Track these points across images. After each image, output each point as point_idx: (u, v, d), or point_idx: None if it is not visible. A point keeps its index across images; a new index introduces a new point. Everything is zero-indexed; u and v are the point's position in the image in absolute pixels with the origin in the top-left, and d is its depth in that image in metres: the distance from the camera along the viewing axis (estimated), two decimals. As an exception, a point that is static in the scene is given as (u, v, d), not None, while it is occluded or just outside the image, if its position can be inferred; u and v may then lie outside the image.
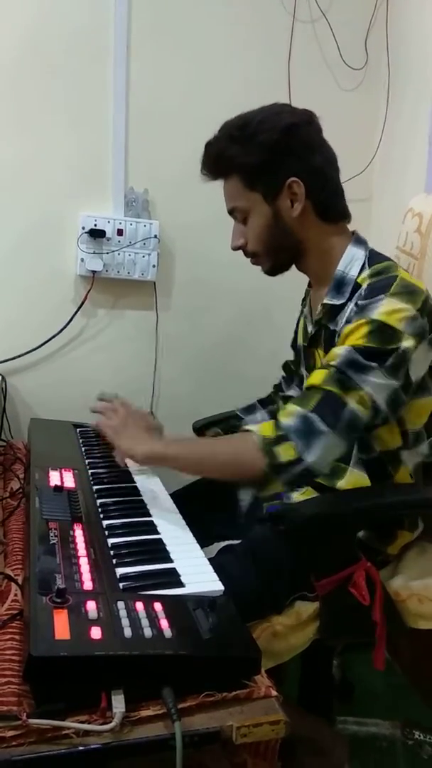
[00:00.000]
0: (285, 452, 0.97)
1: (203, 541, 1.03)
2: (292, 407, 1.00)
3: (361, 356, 0.98)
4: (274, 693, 0.72)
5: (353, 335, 1.01)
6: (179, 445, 1.12)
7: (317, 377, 1.01)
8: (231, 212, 1.14)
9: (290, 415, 0.99)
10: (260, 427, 1.01)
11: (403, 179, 1.79)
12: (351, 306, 1.07)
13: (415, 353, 1.00)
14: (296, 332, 1.34)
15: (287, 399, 1.38)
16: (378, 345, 0.98)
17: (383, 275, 1.04)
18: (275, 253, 1.13)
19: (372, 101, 1.87)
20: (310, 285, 1.28)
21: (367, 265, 1.08)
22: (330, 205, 1.12)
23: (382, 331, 0.99)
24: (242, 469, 1.01)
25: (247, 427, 1.05)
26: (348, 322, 1.05)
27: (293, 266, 1.18)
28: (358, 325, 1.01)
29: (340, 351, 1.01)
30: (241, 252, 1.17)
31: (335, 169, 1.12)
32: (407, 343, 0.99)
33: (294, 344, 1.35)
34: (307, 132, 1.09)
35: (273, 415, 1.38)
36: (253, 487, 1.01)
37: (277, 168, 1.07)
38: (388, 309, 0.99)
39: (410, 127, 1.77)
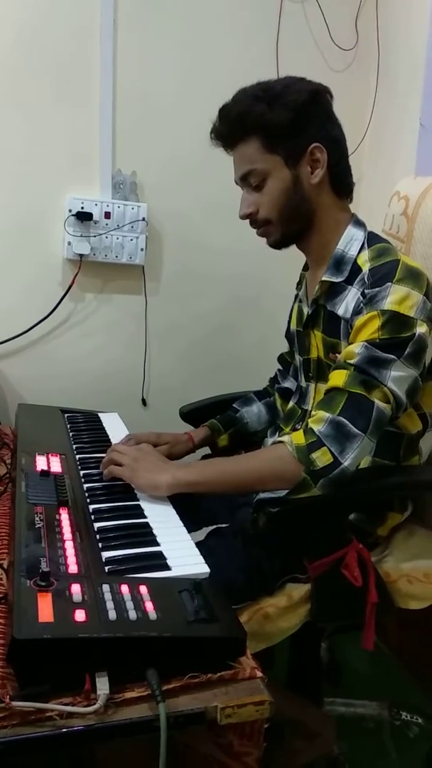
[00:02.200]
0: (321, 458, 0.97)
1: (192, 525, 1.03)
2: (321, 413, 1.00)
3: (379, 350, 0.98)
4: (259, 674, 0.72)
5: (366, 329, 1.00)
6: (207, 468, 1.07)
7: (339, 378, 1.01)
8: (244, 177, 1.10)
9: (320, 421, 0.99)
10: (292, 436, 1.01)
11: (393, 161, 1.78)
12: (353, 291, 1.06)
13: (430, 337, 1.01)
14: (289, 320, 1.33)
15: (283, 391, 1.37)
16: (394, 335, 0.98)
17: (383, 258, 1.03)
18: (289, 220, 1.10)
19: (362, 82, 1.85)
20: (305, 269, 1.27)
21: (366, 245, 1.08)
22: (343, 179, 1.11)
23: (396, 321, 0.98)
24: (281, 481, 1.00)
25: (279, 439, 1.03)
26: (357, 313, 1.03)
27: (290, 248, 1.17)
28: (369, 318, 1.00)
29: (356, 349, 1.00)
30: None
31: (347, 146, 1.12)
32: (421, 328, 0.99)
33: (288, 333, 1.34)
34: (328, 101, 1.09)
35: (269, 408, 1.38)
36: (289, 494, 1.00)
37: (301, 131, 1.05)
38: (397, 297, 0.99)
39: (400, 109, 1.75)
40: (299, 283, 1.31)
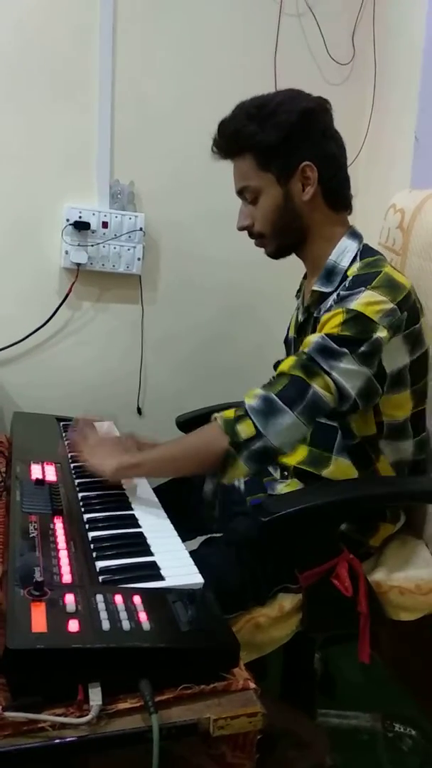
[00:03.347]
0: (244, 430, 1.00)
1: (186, 535, 1.03)
2: (257, 390, 1.04)
3: (333, 342, 1.00)
4: (252, 685, 0.72)
5: (329, 323, 1.03)
6: (151, 451, 1.11)
7: (286, 363, 1.04)
8: (240, 192, 1.14)
9: (254, 396, 1.03)
10: (224, 412, 1.05)
11: (389, 174, 1.79)
12: (335, 296, 1.08)
13: (388, 344, 1.02)
14: (289, 327, 1.34)
15: None
16: (351, 333, 1.00)
17: (368, 269, 1.06)
18: (281, 235, 1.13)
19: (358, 96, 1.87)
20: (305, 277, 1.28)
21: (358, 258, 1.10)
22: (338, 194, 1.13)
23: (357, 321, 1.00)
24: (209, 454, 1.03)
25: (213, 415, 1.07)
26: (328, 310, 1.06)
27: (285, 259, 1.18)
28: (335, 314, 1.02)
29: (313, 338, 1.03)
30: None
31: (345, 158, 1.14)
32: (381, 333, 1.00)
33: (286, 339, 1.36)
34: (323, 118, 1.10)
35: None
36: (219, 473, 1.02)
37: (292, 150, 1.07)
38: (366, 300, 1.01)
39: (396, 123, 1.77)
40: (299, 291, 1.32)
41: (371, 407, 1.09)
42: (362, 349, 1.00)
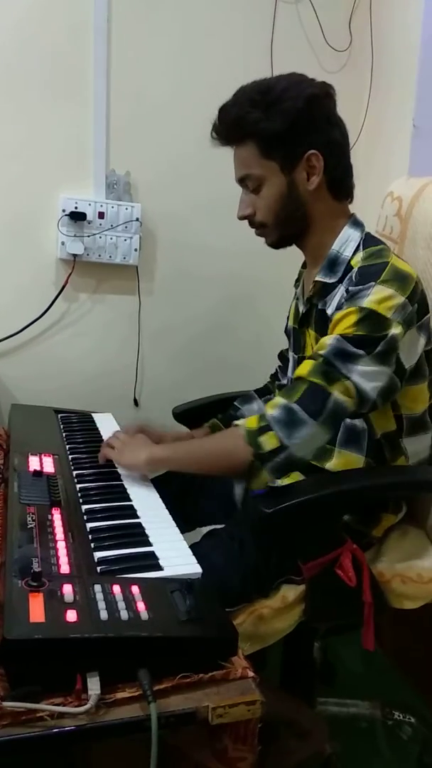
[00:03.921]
0: (268, 441, 0.98)
1: (188, 526, 1.03)
2: (278, 399, 1.01)
3: (349, 344, 0.99)
4: (250, 674, 0.72)
5: (342, 323, 1.01)
6: (177, 446, 1.16)
7: (304, 368, 1.02)
8: (242, 180, 1.11)
9: (275, 406, 1.01)
10: (247, 420, 1.03)
11: (387, 162, 1.78)
12: (341, 289, 1.07)
13: (403, 339, 1.01)
14: (288, 317, 1.34)
15: (283, 388, 1.37)
16: (367, 333, 0.99)
17: (374, 260, 1.04)
18: (284, 224, 1.11)
19: (356, 84, 1.85)
20: (303, 266, 1.27)
21: (361, 247, 1.08)
22: (342, 182, 1.11)
23: (372, 319, 0.99)
24: (232, 463, 1.02)
25: (235, 423, 1.05)
26: (339, 308, 1.04)
27: (285, 248, 1.17)
28: (347, 313, 1.00)
29: (329, 341, 1.01)
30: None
31: (348, 145, 1.12)
32: (395, 330, 0.99)
33: (286, 329, 1.35)
34: (327, 104, 1.08)
35: None
36: (244, 480, 1.01)
37: (298, 138, 1.05)
38: (378, 297, 0.99)
39: (394, 110, 1.76)
40: (297, 280, 1.31)
41: (389, 403, 1.08)
42: (379, 348, 0.98)
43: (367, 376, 0.99)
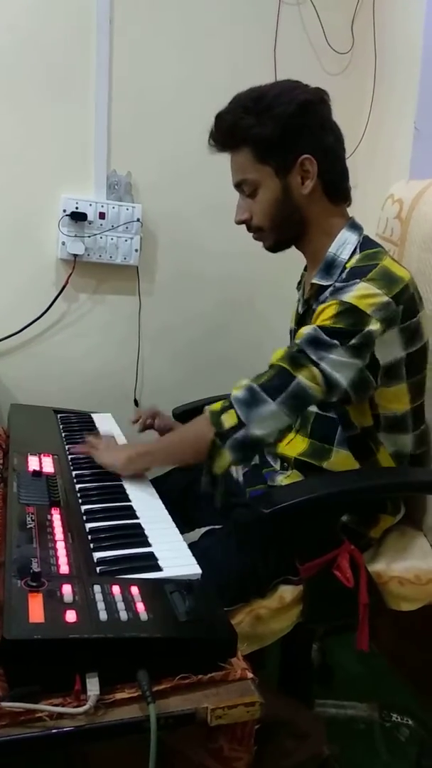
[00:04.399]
0: (228, 419, 1.01)
1: (186, 526, 1.03)
2: (244, 381, 1.04)
3: (324, 334, 1.00)
4: (249, 675, 0.72)
5: (322, 315, 1.02)
6: (159, 441, 1.21)
7: (276, 355, 1.04)
8: (238, 185, 1.13)
9: (240, 387, 1.03)
10: (214, 404, 1.05)
11: (388, 165, 1.78)
12: (330, 288, 1.08)
13: (381, 337, 1.02)
14: (291, 319, 1.34)
15: None
16: (344, 326, 1.00)
17: (368, 261, 1.05)
18: (280, 228, 1.13)
19: (358, 86, 1.86)
20: (306, 268, 1.27)
21: (358, 250, 1.09)
22: (338, 186, 1.12)
23: (351, 313, 1.00)
24: (200, 446, 1.04)
25: (205, 407, 1.07)
26: (323, 302, 1.06)
27: (284, 250, 1.18)
28: (328, 305, 1.02)
29: (306, 330, 1.02)
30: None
31: (343, 150, 1.13)
32: (373, 326, 1.00)
33: (290, 331, 1.35)
34: (321, 110, 1.09)
35: None
36: (210, 464, 1.02)
37: (291, 143, 1.06)
38: (360, 293, 1.01)
39: (396, 113, 1.76)
40: (300, 282, 1.32)
41: (366, 399, 1.08)
42: (353, 341, 0.99)
43: (337, 365, 1.00)
